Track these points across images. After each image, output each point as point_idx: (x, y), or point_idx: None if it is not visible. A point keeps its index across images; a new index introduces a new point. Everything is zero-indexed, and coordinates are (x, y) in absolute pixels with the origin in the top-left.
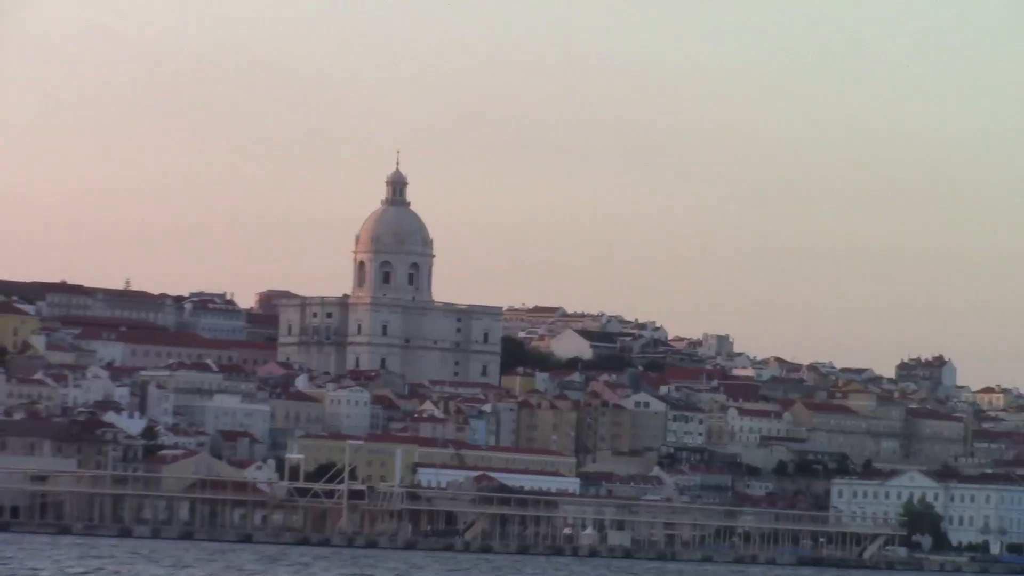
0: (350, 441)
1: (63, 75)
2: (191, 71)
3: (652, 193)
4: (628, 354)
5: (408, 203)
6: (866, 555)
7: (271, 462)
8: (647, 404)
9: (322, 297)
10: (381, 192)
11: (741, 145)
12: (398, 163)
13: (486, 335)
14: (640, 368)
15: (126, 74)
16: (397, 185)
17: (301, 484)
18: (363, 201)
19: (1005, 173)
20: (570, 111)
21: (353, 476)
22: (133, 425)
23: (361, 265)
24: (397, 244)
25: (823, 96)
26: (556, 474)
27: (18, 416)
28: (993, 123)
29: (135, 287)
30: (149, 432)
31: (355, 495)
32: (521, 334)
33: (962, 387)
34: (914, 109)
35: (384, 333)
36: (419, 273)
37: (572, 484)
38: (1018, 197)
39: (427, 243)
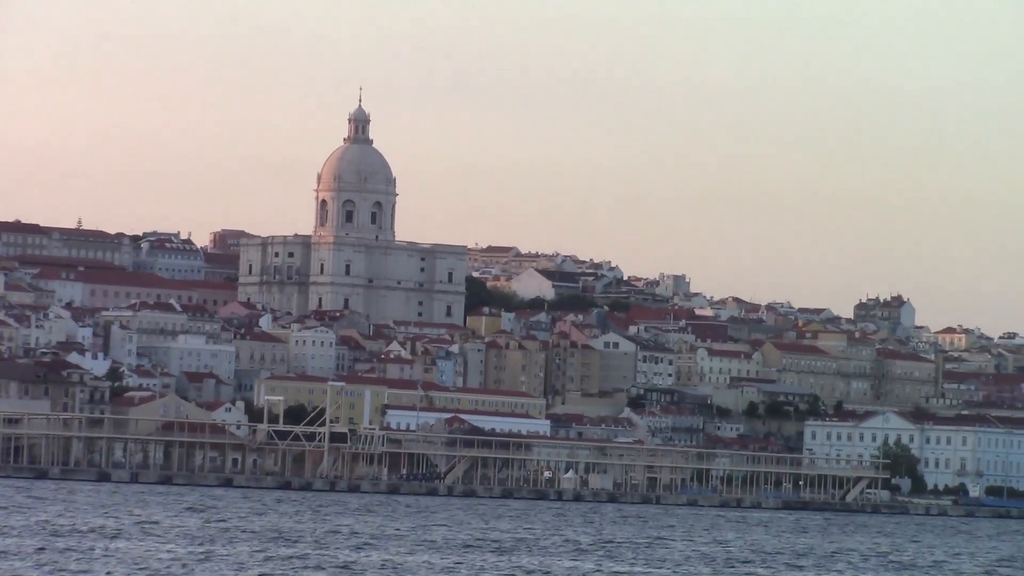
0: (330, 383)
1: (15, 17)
2: (146, 10)
3: (607, 134)
4: (590, 294)
5: (371, 141)
6: (849, 498)
7: (240, 403)
8: (616, 345)
9: (284, 236)
10: (343, 130)
11: (698, 87)
12: (360, 100)
13: (450, 274)
14: (605, 308)
15: (78, 15)
16: (359, 123)
17: (282, 427)
18: (325, 139)
19: (960, 117)
20: (530, 52)
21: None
22: (97, 366)
23: (323, 204)
24: (360, 182)
25: (781, 40)
26: (526, 416)
27: None
28: (949, 68)
29: (88, 226)
30: (114, 373)
31: (336, 438)
32: (476, 274)
33: (921, 327)
34: (873, 53)
35: (347, 273)
36: (382, 212)
37: (542, 426)
38: (972, 140)
39: (390, 181)
